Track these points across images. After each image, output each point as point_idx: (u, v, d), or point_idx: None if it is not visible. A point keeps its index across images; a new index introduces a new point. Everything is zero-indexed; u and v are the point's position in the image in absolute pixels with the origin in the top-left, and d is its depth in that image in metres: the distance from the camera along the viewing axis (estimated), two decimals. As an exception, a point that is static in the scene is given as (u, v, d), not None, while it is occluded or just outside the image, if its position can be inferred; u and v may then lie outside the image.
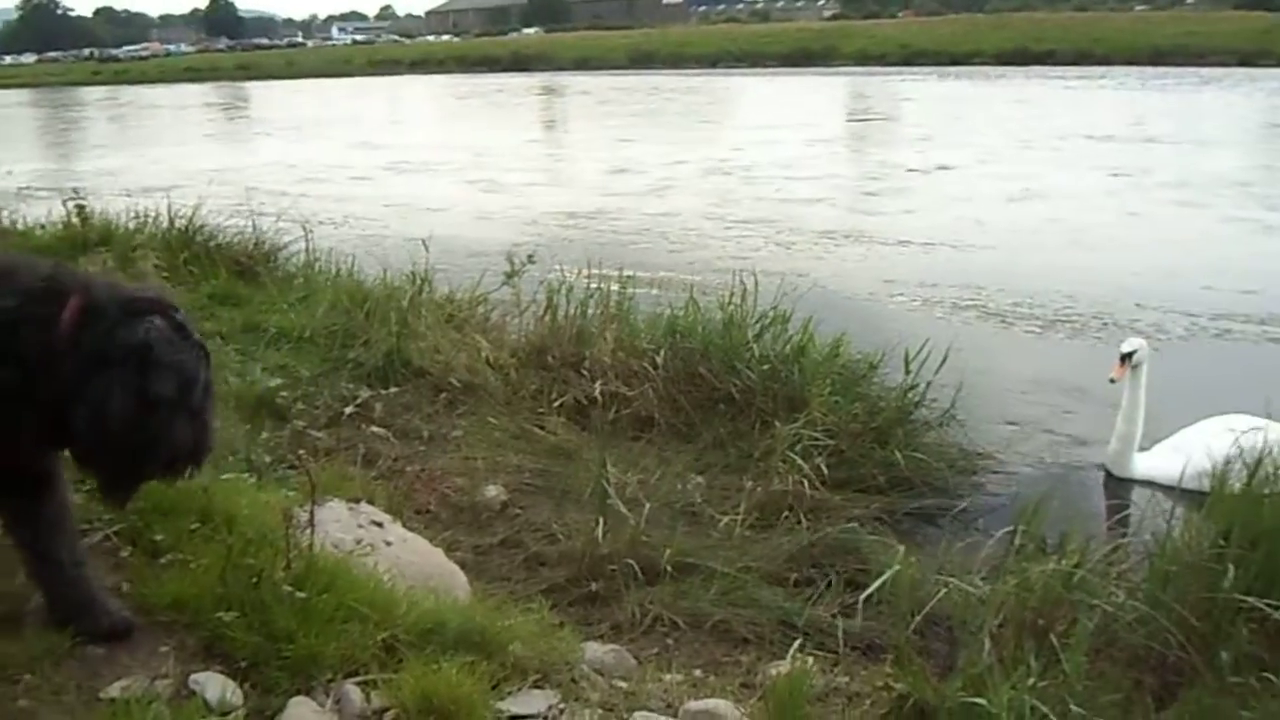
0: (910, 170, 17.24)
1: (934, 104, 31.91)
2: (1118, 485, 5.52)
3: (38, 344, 2.27)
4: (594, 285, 6.52)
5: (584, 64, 59.26)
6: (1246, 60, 41.98)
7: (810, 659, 3.36)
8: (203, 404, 2.41)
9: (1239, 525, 3.37)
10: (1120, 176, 15.82)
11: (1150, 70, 41.67)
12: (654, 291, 7.22)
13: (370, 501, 3.95)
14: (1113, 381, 5.62)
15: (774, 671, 3.24)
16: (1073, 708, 2.86)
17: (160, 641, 2.62)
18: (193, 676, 2.49)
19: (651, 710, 2.87)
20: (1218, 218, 12.65)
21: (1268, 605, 3.08)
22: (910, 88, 37.88)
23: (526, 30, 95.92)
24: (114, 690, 2.40)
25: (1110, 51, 47.47)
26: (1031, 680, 2.89)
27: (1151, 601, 3.24)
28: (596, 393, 5.52)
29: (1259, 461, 3.70)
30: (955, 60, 49.58)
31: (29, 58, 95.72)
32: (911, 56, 51.54)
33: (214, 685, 2.46)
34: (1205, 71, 39.87)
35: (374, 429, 5.06)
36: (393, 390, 5.39)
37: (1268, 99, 29.68)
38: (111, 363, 2.28)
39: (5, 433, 2.33)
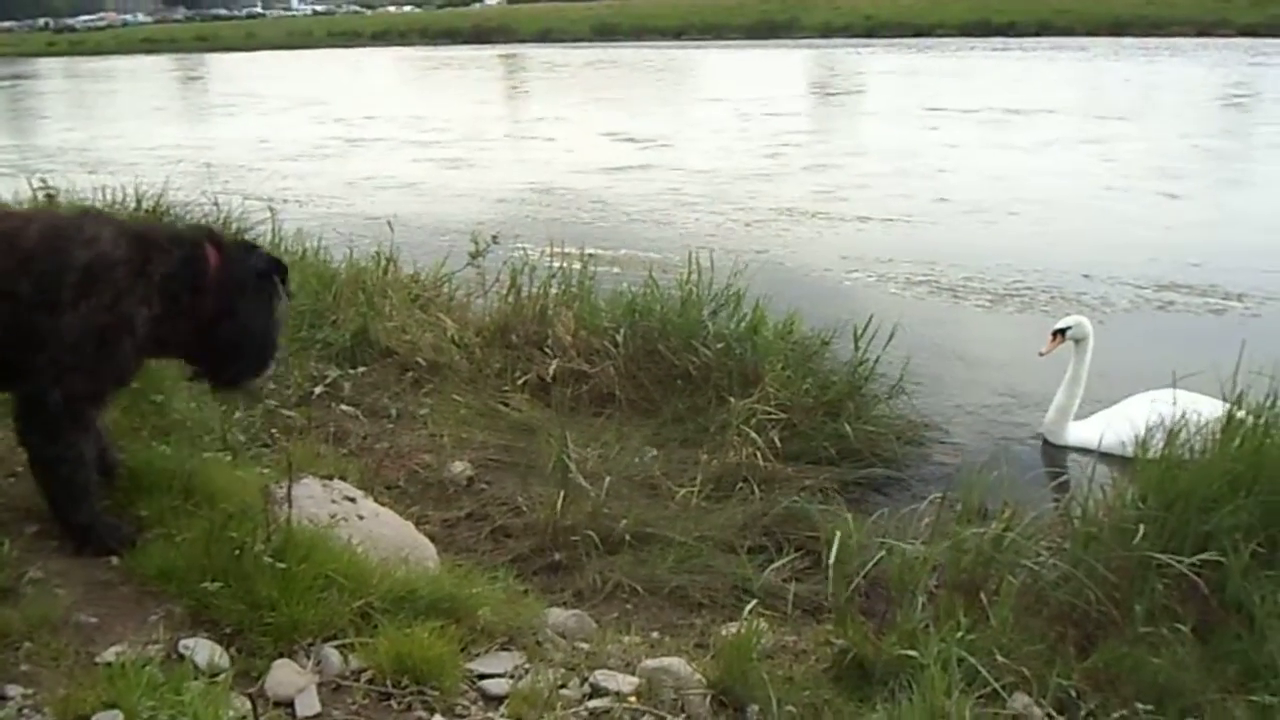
0: (870, 146, 17.42)
1: (894, 78, 32.07)
2: (1055, 452, 5.79)
3: (197, 277, 3.07)
4: (556, 264, 6.68)
5: (546, 35, 58.87)
6: (1205, 30, 42.44)
7: (761, 620, 3.57)
8: None
9: (1155, 489, 3.62)
10: (1074, 151, 16.10)
11: (1109, 41, 42.04)
12: (615, 270, 7.40)
13: (342, 478, 4.12)
14: (1042, 355, 5.88)
15: (726, 632, 3.45)
16: (999, 658, 3.11)
17: (150, 610, 2.81)
18: (182, 642, 2.68)
19: (611, 669, 3.07)
20: (1165, 191, 12.91)
21: (1177, 561, 3.33)
22: (871, 61, 38.02)
23: (489, 1, 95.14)
24: (109, 655, 2.59)
25: (1072, 22, 47.77)
26: (960, 634, 3.13)
27: (1074, 561, 3.49)
28: (558, 370, 5.70)
29: (1175, 431, 3.96)
30: (919, 32, 49.69)
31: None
32: (875, 28, 51.61)
33: (203, 649, 2.65)
34: (1164, 41, 40.29)
35: (343, 408, 5.20)
36: (361, 370, 5.51)
37: (1223, 70, 30.05)
38: (249, 287, 3.14)
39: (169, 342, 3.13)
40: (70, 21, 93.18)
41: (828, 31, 52.64)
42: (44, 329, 2.86)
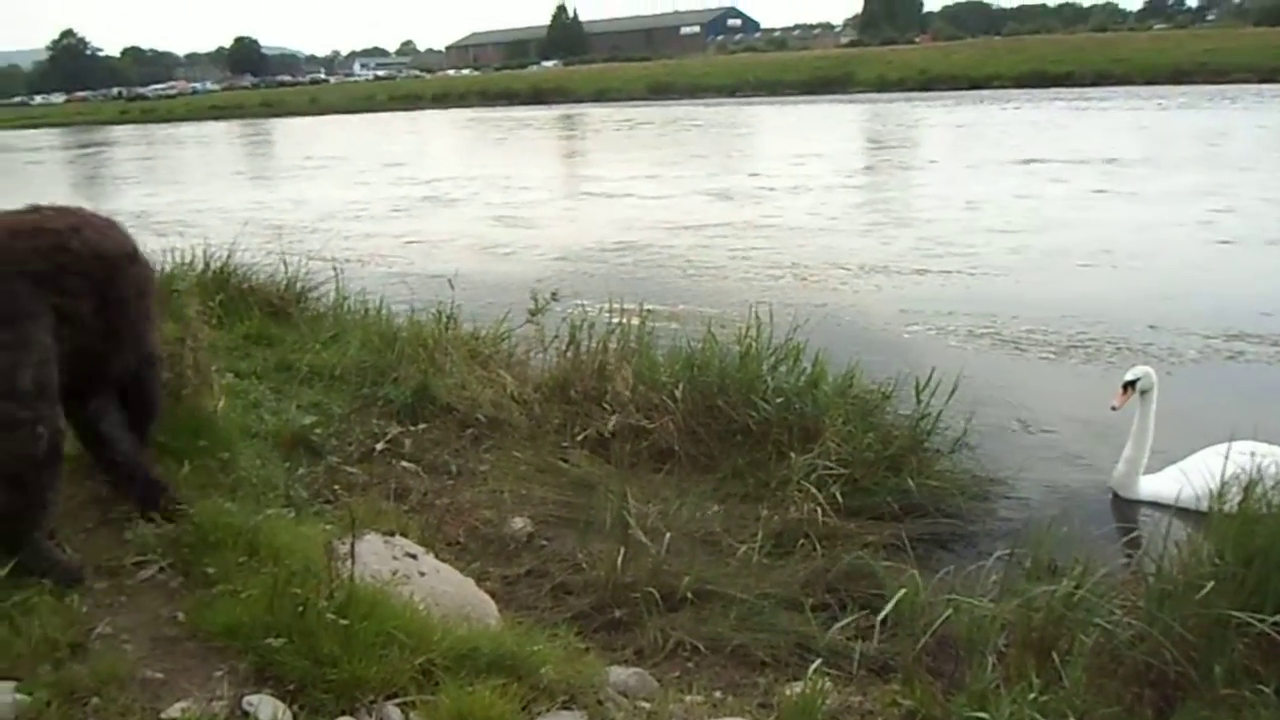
0: (930, 199, 17.34)
1: (950, 131, 32.06)
2: (1125, 506, 5.65)
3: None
4: (615, 320, 6.70)
5: (603, 95, 59.88)
6: (1268, 77, 42.00)
7: (826, 680, 3.51)
8: None
9: (1233, 545, 3.51)
10: (1136, 199, 15.91)
11: (1169, 89, 41.70)
12: (673, 325, 7.39)
13: (404, 534, 4.15)
14: (1114, 409, 5.75)
15: (790, 692, 3.39)
16: (1072, 721, 3.02)
17: (214, 666, 2.83)
18: (246, 698, 2.70)
19: (673, 728, 3.04)
20: (1233, 238, 12.71)
21: (1258, 620, 3.21)
22: (927, 114, 38.05)
23: (546, 63, 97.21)
24: (174, 711, 2.61)
25: (1130, 71, 47.64)
26: (1033, 695, 3.04)
27: (1149, 619, 3.38)
28: (617, 426, 5.70)
29: (1253, 484, 3.84)
30: (974, 84, 49.81)
31: (59, 97, 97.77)
32: (929, 82, 51.81)
33: (266, 707, 2.66)
34: (1227, 89, 39.85)
35: (404, 464, 5.25)
36: (421, 426, 5.57)
37: (1288, 116, 29.69)
38: None
39: None
40: (142, 90, 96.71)
41: (883, 86, 52.87)
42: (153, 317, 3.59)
